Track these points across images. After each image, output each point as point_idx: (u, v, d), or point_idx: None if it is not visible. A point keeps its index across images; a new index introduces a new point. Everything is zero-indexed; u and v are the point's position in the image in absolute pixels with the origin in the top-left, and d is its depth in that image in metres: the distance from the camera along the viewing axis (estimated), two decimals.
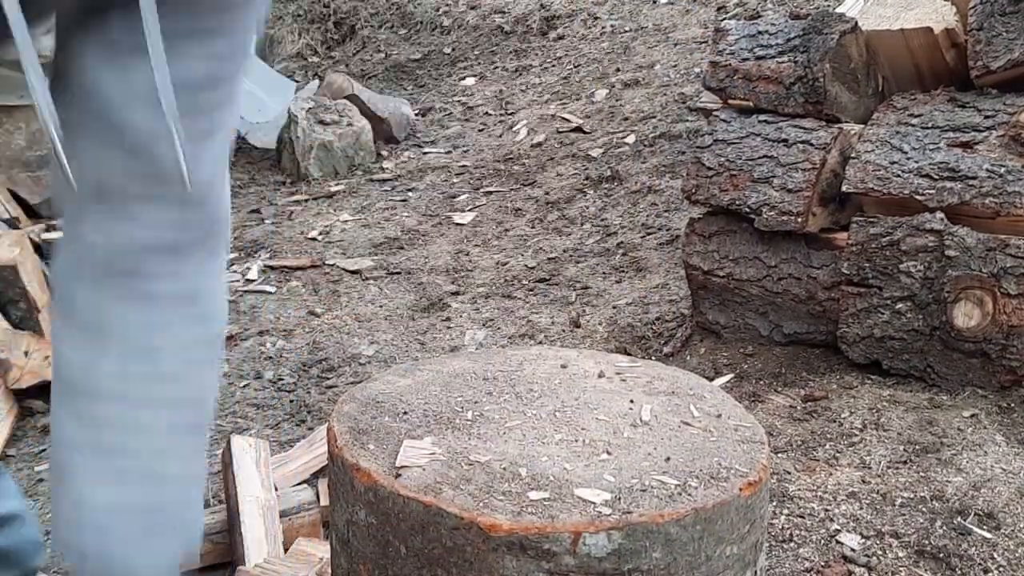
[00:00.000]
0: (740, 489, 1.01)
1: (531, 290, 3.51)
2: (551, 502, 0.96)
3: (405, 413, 1.14)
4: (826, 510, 2.17)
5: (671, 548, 0.95)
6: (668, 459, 1.05)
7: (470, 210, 4.27)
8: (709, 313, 3.05)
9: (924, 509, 2.15)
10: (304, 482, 2.33)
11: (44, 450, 2.68)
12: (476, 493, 0.97)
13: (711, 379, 2.71)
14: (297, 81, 5.79)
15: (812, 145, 2.81)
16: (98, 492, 0.96)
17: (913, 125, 2.72)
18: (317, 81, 5.72)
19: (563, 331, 3.20)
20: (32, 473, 2.57)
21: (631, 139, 4.48)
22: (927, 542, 2.05)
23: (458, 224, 4.14)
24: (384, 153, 5.07)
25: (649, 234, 3.76)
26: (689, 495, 0.99)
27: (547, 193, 4.23)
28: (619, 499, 0.97)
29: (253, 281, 3.73)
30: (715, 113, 3.08)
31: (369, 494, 1.00)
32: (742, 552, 1.02)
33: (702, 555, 0.97)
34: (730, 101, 3.08)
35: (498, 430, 1.11)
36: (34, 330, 3.05)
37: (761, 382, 2.75)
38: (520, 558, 0.92)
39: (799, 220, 2.77)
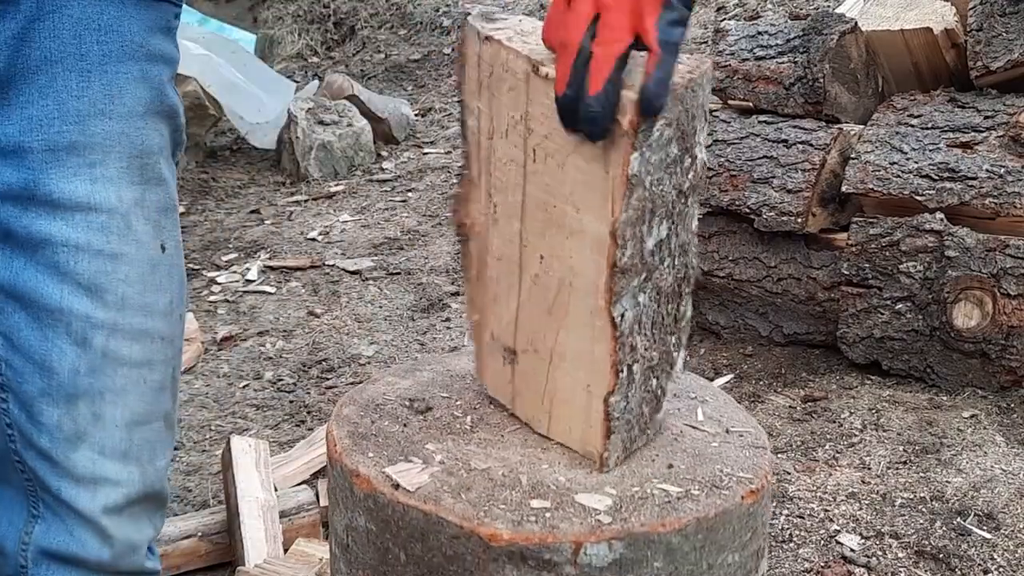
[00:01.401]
0: (742, 496, 1.00)
1: None
2: (552, 511, 0.96)
3: (406, 418, 1.14)
4: (826, 511, 2.17)
5: (672, 557, 0.95)
6: (670, 466, 1.05)
7: None
8: (709, 314, 3.05)
9: (924, 509, 2.15)
10: (304, 483, 2.33)
11: None
12: (476, 501, 0.97)
13: (711, 380, 2.71)
14: (297, 81, 5.78)
15: (812, 145, 2.81)
16: None
17: (913, 126, 2.72)
18: (317, 81, 5.71)
19: None
20: None
21: None
22: (927, 542, 2.05)
23: None
24: (384, 153, 5.07)
25: None
26: (691, 503, 0.98)
27: None
28: (620, 507, 0.97)
29: (253, 282, 3.73)
30: (715, 113, 3.08)
31: (368, 501, 1.00)
32: (744, 560, 1.02)
33: (704, 564, 0.97)
34: (730, 101, 3.08)
35: (499, 435, 1.11)
36: None
37: (761, 383, 2.75)
38: (521, 568, 0.92)
39: (799, 220, 2.77)
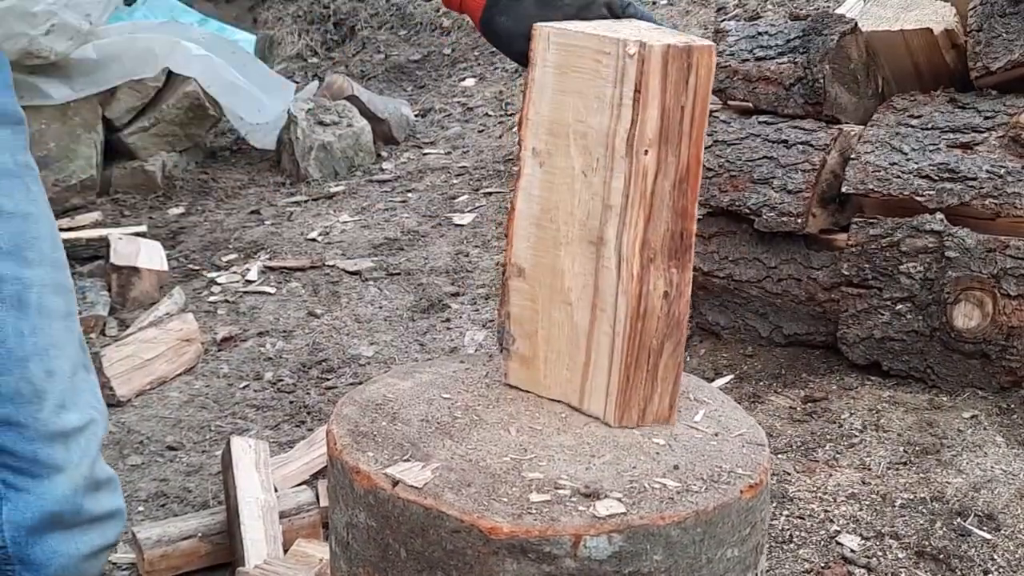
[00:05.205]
0: (741, 491, 1.01)
1: None
2: (552, 504, 0.96)
3: (406, 417, 1.14)
4: (826, 511, 2.17)
5: (672, 551, 0.95)
6: (670, 463, 1.05)
7: (470, 211, 4.26)
8: (709, 314, 3.05)
9: (924, 510, 2.15)
10: (304, 483, 2.33)
11: None
12: (476, 496, 0.97)
13: (711, 380, 2.71)
14: (297, 82, 5.77)
15: (812, 146, 2.81)
16: None
17: (913, 126, 2.72)
18: (317, 82, 5.71)
19: None
20: None
21: None
22: (927, 543, 2.05)
23: (458, 225, 4.14)
24: (384, 154, 5.07)
25: None
26: (690, 497, 0.98)
27: None
28: (620, 501, 0.97)
29: (253, 282, 3.73)
30: (714, 114, 3.08)
31: (369, 497, 1.00)
32: (743, 554, 1.02)
33: (703, 558, 0.98)
34: (730, 102, 3.08)
35: (499, 433, 1.11)
36: None
37: (761, 383, 2.75)
38: (521, 561, 0.92)
39: (799, 221, 2.77)
